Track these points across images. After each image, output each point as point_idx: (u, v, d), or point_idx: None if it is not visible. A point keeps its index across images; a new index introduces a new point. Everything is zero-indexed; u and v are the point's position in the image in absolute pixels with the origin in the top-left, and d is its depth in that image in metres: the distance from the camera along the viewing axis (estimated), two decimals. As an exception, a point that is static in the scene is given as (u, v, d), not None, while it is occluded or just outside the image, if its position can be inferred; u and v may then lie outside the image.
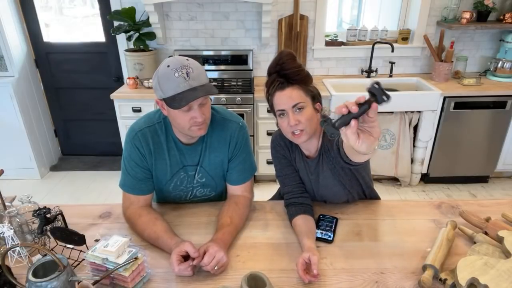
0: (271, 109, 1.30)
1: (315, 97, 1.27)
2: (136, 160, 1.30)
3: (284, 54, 1.22)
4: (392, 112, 2.89)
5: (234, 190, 1.41)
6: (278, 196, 1.69)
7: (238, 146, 1.37)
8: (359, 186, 1.43)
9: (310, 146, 1.37)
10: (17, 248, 1.11)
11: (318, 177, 1.38)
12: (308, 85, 1.24)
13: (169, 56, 1.24)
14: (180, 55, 3.15)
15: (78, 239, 1.11)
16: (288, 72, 1.20)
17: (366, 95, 0.79)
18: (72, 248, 1.17)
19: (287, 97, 1.21)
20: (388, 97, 0.76)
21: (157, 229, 1.23)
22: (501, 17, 3.06)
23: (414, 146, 3.07)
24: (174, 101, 1.13)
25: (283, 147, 1.41)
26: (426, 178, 3.24)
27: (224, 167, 1.40)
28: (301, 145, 1.38)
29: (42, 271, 0.92)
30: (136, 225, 1.27)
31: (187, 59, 1.17)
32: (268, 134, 2.94)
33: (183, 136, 1.31)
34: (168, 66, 1.14)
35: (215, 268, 1.08)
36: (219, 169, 1.40)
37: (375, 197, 1.53)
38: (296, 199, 1.37)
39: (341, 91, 2.91)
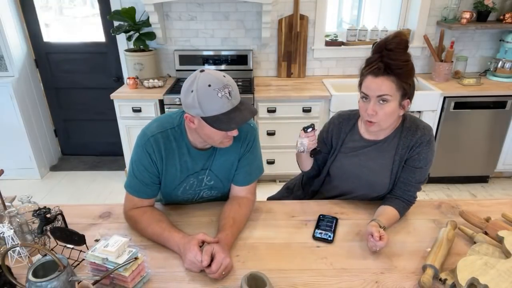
0: (358, 85, 1.28)
1: (406, 94, 1.22)
2: (145, 165, 1.28)
3: (397, 41, 1.17)
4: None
5: (238, 191, 1.40)
6: (284, 192, 1.70)
7: (249, 147, 1.37)
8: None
9: (378, 133, 1.35)
10: (17, 248, 1.11)
11: (370, 160, 1.38)
12: (405, 80, 1.19)
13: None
14: (180, 55, 3.17)
15: (78, 239, 1.11)
16: (391, 62, 1.16)
17: None
18: (72, 248, 1.17)
19: (377, 85, 1.19)
20: None
21: (162, 224, 1.23)
22: (501, 17, 3.06)
23: (414, 146, 3.07)
24: (218, 122, 1.12)
25: (335, 125, 1.44)
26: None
27: (234, 169, 1.39)
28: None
29: (42, 271, 0.92)
30: (139, 222, 1.27)
31: (224, 76, 1.14)
32: (268, 134, 2.93)
33: (200, 143, 1.29)
34: (210, 85, 1.09)
35: (222, 273, 1.08)
36: (228, 172, 1.38)
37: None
38: None
39: (341, 91, 2.90)
